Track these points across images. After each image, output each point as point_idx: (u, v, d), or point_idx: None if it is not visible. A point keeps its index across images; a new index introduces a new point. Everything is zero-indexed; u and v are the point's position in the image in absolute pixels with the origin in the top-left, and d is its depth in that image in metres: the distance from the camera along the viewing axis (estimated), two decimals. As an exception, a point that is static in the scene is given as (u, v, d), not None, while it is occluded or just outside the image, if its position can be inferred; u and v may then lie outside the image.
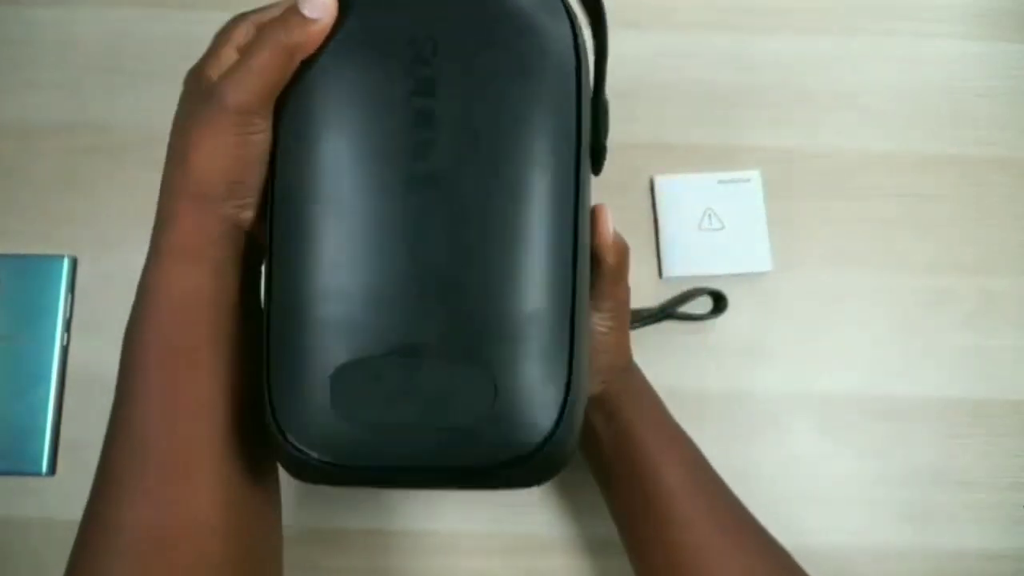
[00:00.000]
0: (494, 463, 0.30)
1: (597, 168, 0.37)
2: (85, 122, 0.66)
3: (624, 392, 0.47)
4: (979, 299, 0.63)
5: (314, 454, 0.31)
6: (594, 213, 0.38)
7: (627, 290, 0.44)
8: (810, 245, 0.64)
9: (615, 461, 0.46)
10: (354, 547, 0.58)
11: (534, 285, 0.31)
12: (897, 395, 0.61)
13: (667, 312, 0.61)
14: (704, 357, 0.61)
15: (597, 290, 0.41)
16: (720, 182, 0.63)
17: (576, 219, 0.32)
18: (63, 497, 0.60)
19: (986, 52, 0.67)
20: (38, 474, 0.60)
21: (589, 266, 0.34)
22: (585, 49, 0.33)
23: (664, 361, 0.61)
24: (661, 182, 0.63)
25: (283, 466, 0.32)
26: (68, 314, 0.62)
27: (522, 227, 0.31)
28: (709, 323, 0.63)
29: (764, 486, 0.54)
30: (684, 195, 0.63)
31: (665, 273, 0.62)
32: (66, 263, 0.63)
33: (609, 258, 0.41)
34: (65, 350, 0.62)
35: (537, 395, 0.31)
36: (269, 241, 0.32)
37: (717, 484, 0.47)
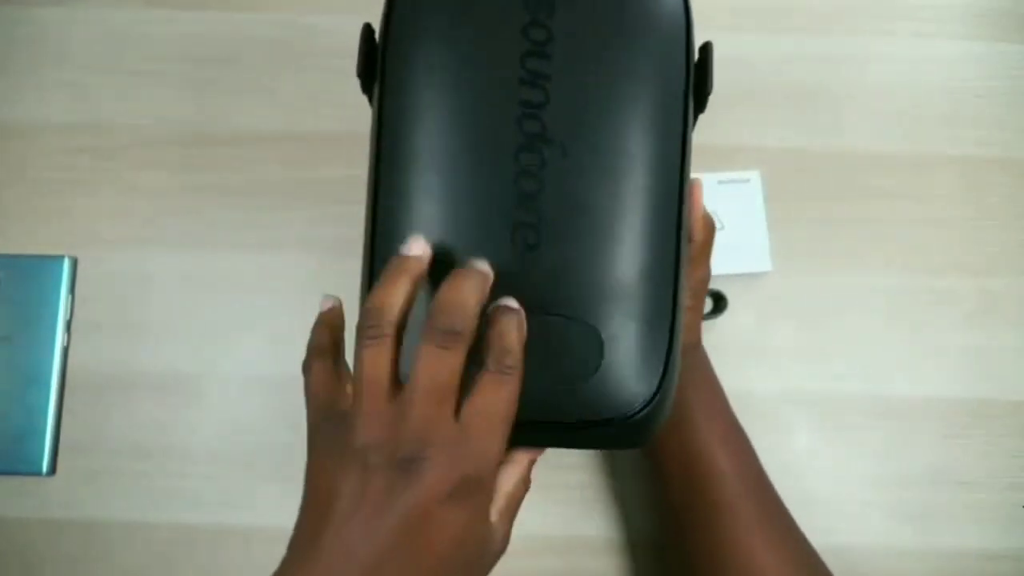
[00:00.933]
0: (596, 422, 0.31)
1: (700, 110, 0.37)
2: (85, 122, 0.66)
3: (688, 373, 0.46)
4: (979, 299, 0.63)
5: None
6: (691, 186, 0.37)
7: (708, 270, 0.45)
8: (810, 245, 0.63)
9: (669, 440, 0.47)
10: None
11: (642, 249, 0.31)
12: (897, 395, 0.61)
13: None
14: (708, 351, 0.59)
15: None
16: (720, 182, 0.63)
17: (681, 186, 0.33)
18: (63, 497, 0.60)
19: (986, 52, 0.67)
20: (38, 474, 0.60)
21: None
22: (690, 2, 0.34)
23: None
24: None
25: None
26: (68, 314, 0.62)
27: (633, 190, 0.31)
28: (709, 323, 0.62)
29: (764, 486, 0.52)
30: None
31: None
32: (66, 263, 0.63)
33: (698, 234, 0.41)
34: (65, 350, 0.62)
35: (641, 359, 0.31)
36: (374, 200, 0.32)
37: (765, 478, 0.48)
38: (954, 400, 0.60)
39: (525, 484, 0.33)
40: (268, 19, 0.66)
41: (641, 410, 0.31)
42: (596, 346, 0.31)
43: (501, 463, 0.30)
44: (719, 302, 0.62)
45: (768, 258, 0.62)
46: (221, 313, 0.62)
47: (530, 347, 0.30)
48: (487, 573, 0.30)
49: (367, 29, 0.34)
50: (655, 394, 0.31)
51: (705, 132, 0.59)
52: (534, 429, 0.32)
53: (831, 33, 0.67)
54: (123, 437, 0.60)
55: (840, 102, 0.66)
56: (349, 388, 0.31)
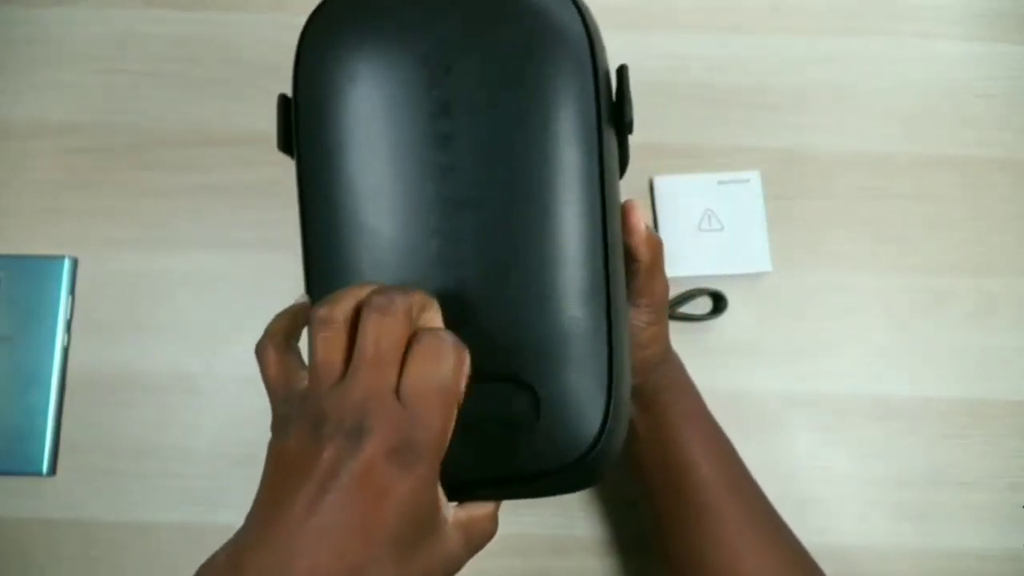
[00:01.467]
0: (539, 472, 0.31)
1: (623, 149, 0.36)
2: (85, 122, 0.65)
3: (662, 383, 0.46)
4: (979, 299, 0.62)
5: None
6: (624, 210, 0.37)
7: (664, 283, 0.44)
8: (810, 245, 0.63)
9: (650, 451, 0.46)
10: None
11: (568, 293, 0.31)
12: (897, 395, 0.61)
13: (667, 313, 0.55)
14: (704, 357, 0.60)
15: (633, 287, 0.41)
16: (720, 183, 0.63)
17: (604, 220, 0.32)
18: (63, 497, 0.60)
19: (986, 53, 0.67)
20: (38, 474, 0.60)
21: (623, 264, 0.34)
22: (596, 29, 0.33)
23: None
24: (660, 183, 0.63)
25: None
26: (68, 315, 0.62)
27: (551, 237, 0.31)
28: (709, 323, 0.62)
29: (764, 486, 0.52)
30: (684, 196, 0.63)
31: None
32: (66, 263, 0.62)
33: (643, 254, 0.40)
34: (65, 351, 0.61)
35: (582, 402, 0.31)
36: (306, 272, 0.33)
37: (750, 480, 0.47)
38: (954, 400, 0.60)
39: (492, 522, 0.33)
40: (266, 19, 0.66)
41: (588, 452, 0.31)
42: (533, 402, 0.31)
43: (445, 441, 0.29)
44: (719, 302, 0.62)
45: (768, 258, 0.62)
46: (221, 313, 0.62)
47: (467, 409, 0.29)
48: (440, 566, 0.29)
49: (283, 100, 0.34)
50: (600, 435, 0.31)
51: (705, 132, 0.64)
52: (483, 486, 0.32)
53: (831, 33, 0.67)
54: (123, 437, 0.60)
55: (840, 102, 0.66)
56: (304, 373, 0.31)
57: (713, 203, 0.62)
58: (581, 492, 0.57)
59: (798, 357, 0.62)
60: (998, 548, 0.58)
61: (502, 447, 0.31)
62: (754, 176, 0.63)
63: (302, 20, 0.36)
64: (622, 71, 0.34)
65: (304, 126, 0.33)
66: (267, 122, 0.62)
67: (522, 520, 0.58)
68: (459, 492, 0.31)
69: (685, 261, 0.61)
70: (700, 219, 0.62)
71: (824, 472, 0.59)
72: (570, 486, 0.32)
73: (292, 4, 0.66)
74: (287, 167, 0.59)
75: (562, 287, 0.31)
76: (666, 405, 0.47)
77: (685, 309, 0.63)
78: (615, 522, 0.59)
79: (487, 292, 0.31)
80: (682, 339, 0.59)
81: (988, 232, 0.64)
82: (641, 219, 0.39)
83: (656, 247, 0.41)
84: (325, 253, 0.32)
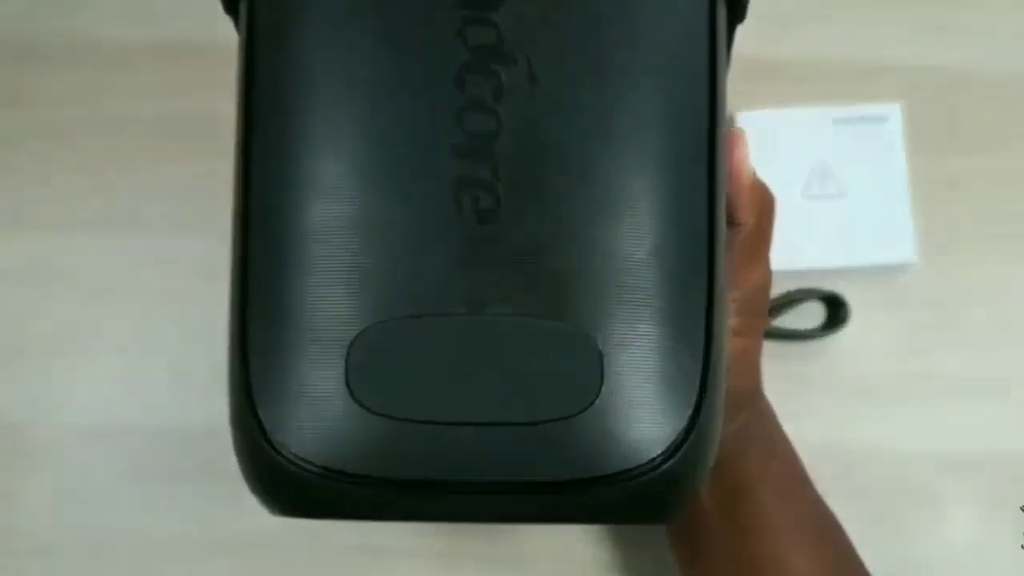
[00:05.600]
0: (593, 480, 0.26)
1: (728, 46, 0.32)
2: None
3: (745, 439, 0.41)
4: None
5: (316, 462, 0.26)
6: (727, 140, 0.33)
7: (766, 272, 0.38)
8: (977, 225, 0.55)
9: (719, 540, 0.42)
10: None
11: (655, 218, 0.28)
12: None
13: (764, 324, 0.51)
14: (808, 394, 0.53)
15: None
16: (838, 122, 0.53)
17: (713, 135, 0.28)
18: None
19: None
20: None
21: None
22: None
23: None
24: (745, 121, 0.54)
25: (258, 486, 0.27)
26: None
27: (635, 132, 0.28)
28: (819, 344, 0.54)
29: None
30: (781, 142, 0.54)
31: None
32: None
33: (744, 214, 0.35)
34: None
35: (662, 379, 0.27)
36: (246, 157, 0.28)
37: None
38: None
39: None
40: None
41: (665, 459, 0.26)
42: (592, 363, 0.26)
43: None
44: (836, 311, 0.53)
45: (911, 245, 0.53)
46: (61, 324, 0.55)
47: (488, 372, 0.27)
48: None
49: None
50: (686, 434, 0.26)
51: (815, 40, 0.57)
52: (495, 495, 0.27)
53: None
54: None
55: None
56: None
57: (828, 153, 0.53)
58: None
59: (955, 397, 0.54)
60: None
61: (531, 430, 0.26)
62: (893, 112, 0.54)
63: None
64: None
65: (265, 16, 0.29)
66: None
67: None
68: (451, 503, 0.27)
69: (784, 246, 0.48)
70: (806, 179, 0.53)
71: (994, 569, 0.53)
72: (628, 510, 0.28)
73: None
74: (134, 98, 0.56)
75: (645, 203, 0.27)
76: (748, 473, 0.41)
77: (781, 322, 0.53)
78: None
79: (534, 189, 0.27)
80: (776, 369, 0.48)
81: None
82: (748, 156, 0.34)
83: (766, 206, 0.37)
84: (279, 127, 0.28)
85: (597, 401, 0.26)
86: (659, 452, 0.27)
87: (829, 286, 0.54)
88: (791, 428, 0.49)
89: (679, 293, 0.28)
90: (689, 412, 0.27)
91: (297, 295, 0.28)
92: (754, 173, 0.35)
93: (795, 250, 0.52)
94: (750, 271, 0.37)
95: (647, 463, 0.27)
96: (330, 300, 0.28)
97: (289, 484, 0.27)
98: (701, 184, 0.28)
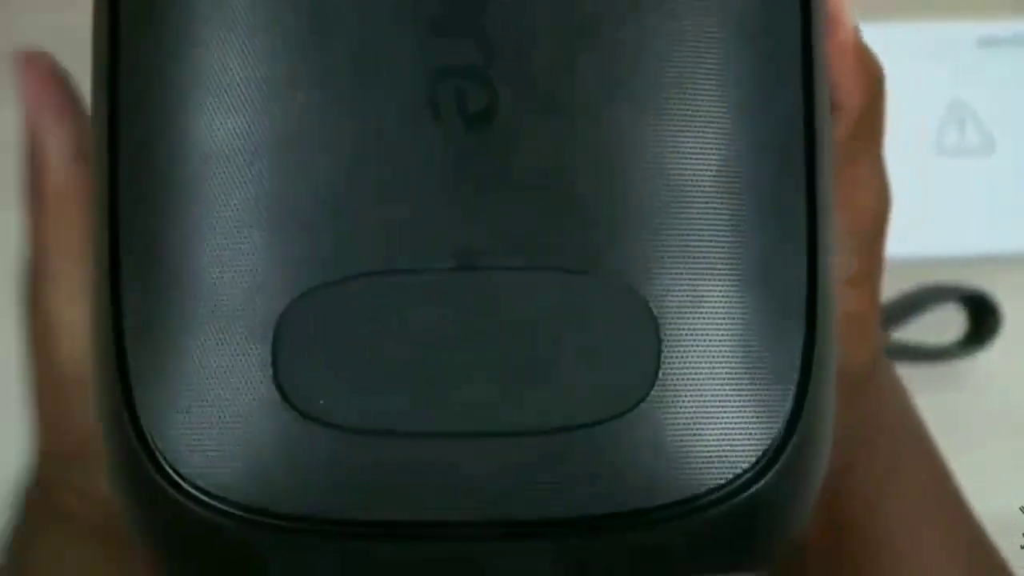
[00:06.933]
0: (648, 511, 0.20)
1: None
2: None
3: (863, 432, 0.31)
4: None
5: (234, 500, 0.20)
6: None
7: (882, 188, 0.29)
8: None
9: (828, 545, 0.32)
10: None
11: (727, 117, 0.22)
12: None
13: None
14: (945, 437, 0.37)
15: None
16: (985, 43, 0.44)
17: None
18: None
19: None
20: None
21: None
22: None
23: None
24: None
25: (148, 537, 0.22)
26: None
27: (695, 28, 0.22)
28: (957, 365, 0.46)
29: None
30: (900, 72, 0.41)
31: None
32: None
33: (849, 92, 0.26)
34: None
35: (748, 364, 0.21)
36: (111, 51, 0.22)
37: None
38: None
39: None
40: None
41: (754, 478, 0.20)
42: (643, 336, 0.20)
43: None
44: (982, 319, 0.45)
45: None
46: None
47: (483, 349, 0.21)
48: None
49: None
50: (784, 438, 0.21)
51: None
52: (505, 541, 0.21)
53: None
54: None
55: None
56: None
57: (969, 90, 0.45)
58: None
59: None
60: None
61: (561, 445, 0.20)
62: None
63: None
64: None
65: None
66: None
67: None
68: (452, 557, 0.22)
69: (905, 225, 0.35)
70: (939, 129, 0.45)
71: None
72: (694, 553, 0.22)
73: None
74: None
75: (708, 90, 0.21)
76: (875, 465, 0.32)
77: (904, 334, 0.45)
78: None
79: (547, 76, 0.21)
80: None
81: None
82: (846, 8, 0.27)
83: (876, 81, 0.28)
84: (167, 146, 0.22)
85: (652, 394, 0.21)
86: (745, 468, 0.21)
87: (973, 281, 0.44)
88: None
89: (767, 226, 0.22)
90: (788, 406, 0.21)
91: (191, 246, 0.22)
92: (858, 30, 0.28)
93: (920, 230, 0.43)
94: (858, 186, 0.29)
95: (729, 484, 0.21)
96: (246, 253, 0.21)
97: (194, 533, 0.21)
98: (792, 54, 0.22)
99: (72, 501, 0.29)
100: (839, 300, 0.29)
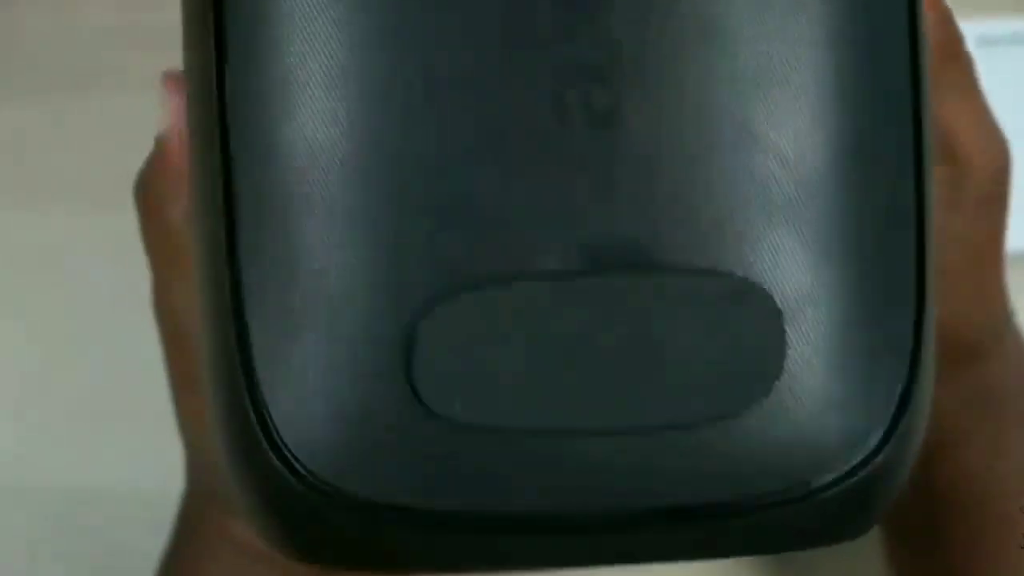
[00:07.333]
0: (775, 494, 0.23)
1: None
2: None
3: (987, 385, 0.33)
4: None
5: (353, 488, 0.22)
6: None
7: (988, 123, 0.31)
8: None
9: (946, 513, 0.35)
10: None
11: (840, 96, 0.23)
12: None
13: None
14: None
15: None
16: (983, 42, 0.46)
17: None
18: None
19: None
20: None
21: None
22: None
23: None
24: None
25: (271, 527, 0.23)
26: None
27: None
28: None
29: None
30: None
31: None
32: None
33: (931, 30, 0.27)
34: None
35: (866, 348, 0.23)
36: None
37: None
38: None
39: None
40: None
41: (870, 457, 0.23)
42: (771, 330, 0.22)
43: None
44: None
45: None
46: None
47: (612, 348, 0.22)
48: None
49: None
50: (896, 417, 0.23)
51: None
52: (640, 527, 0.23)
53: None
54: None
55: None
56: None
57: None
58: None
59: None
60: None
61: (685, 433, 0.22)
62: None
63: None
64: None
65: None
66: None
67: None
68: (565, 541, 0.23)
69: None
70: None
71: None
72: (811, 530, 0.24)
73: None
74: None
75: (822, 72, 0.23)
76: (996, 438, 0.34)
77: None
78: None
79: (666, 74, 0.23)
80: None
81: None
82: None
83: (947, 24, 0.30)
84: (284, 152, 0.23)
85: (780, 382, 0.23)
86: (868, 451, 0.23)
87: None
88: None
89: (877, 212, 0.24)
90: (901, 387, 0.23)
91: (317, 250, 0.23)
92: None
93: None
94: (957, 113, 0.30)
95: (853, 467, 0.23)
96: (373, 258, 0.23)
97: (307, 517, 0.23)
98: (899, 46, 0.23)
99: (237, 525, 0.29)
100: (956, 259, 0.31)
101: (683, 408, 0.22)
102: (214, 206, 0.23)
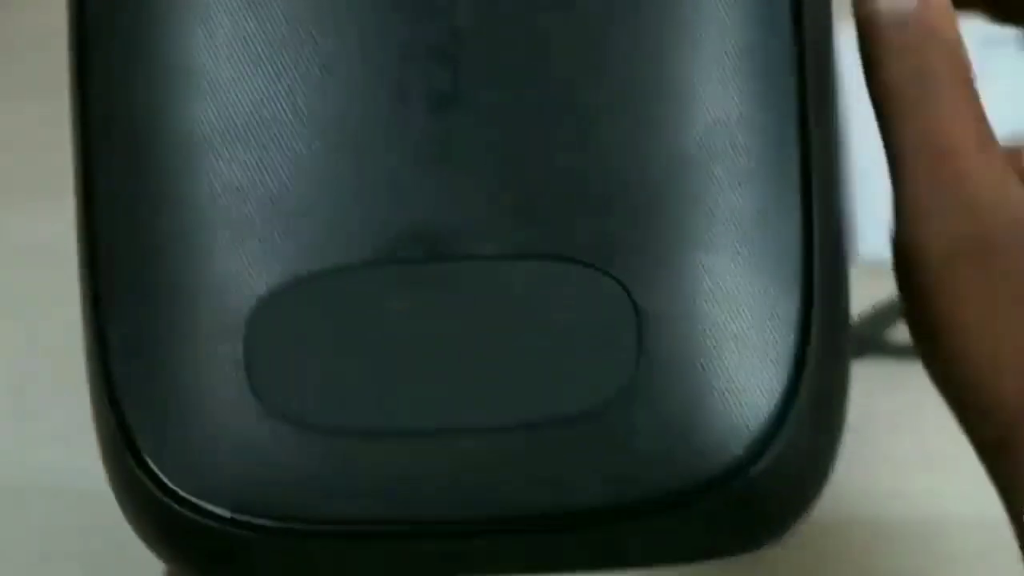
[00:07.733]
0: (636, 503, 0.21)
1: None
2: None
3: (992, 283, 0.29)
4: None
5: (224, 509, 0.21)
6: None
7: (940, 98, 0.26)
8: None
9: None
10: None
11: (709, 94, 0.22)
12: None
13: (869, 339, 0.47)
14: (948, 433, 0.37)
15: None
16: (984, 43, 0.45)
17: None
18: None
19: None
20: None
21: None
22: None
23: (862, 452, 0.44)
24: (851, 43, 0.49)
25: (146, 534, 0.22)
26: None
27: None
28: None
29: None
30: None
31: (862, 253, 0.48)
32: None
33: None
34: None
35: (739, 341, 0.21)
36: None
37: None
38: None
39: None
40: None
41: (756, 454, 0.20)
42: (623, 322, 0.21)
43: None
44: None
45: None
46: None
47: (460, 341, 0.21)
48: None
49: None
50: (782, 410, 0.20)
51: None
52: (480, 537, 0.21)
53: None
54: None
55: None
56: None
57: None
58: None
59: None
60: None
61: (545, 438, 0.21)
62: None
63: None
64: None
65: None
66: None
67: None
68: (449, 552, 0.22)
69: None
70: None
71: None
72: (691, 543, 0.21)
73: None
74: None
75: (683, 88, 0.22)
76: (997, 341, 0.27)
77: (907, 333, 0.41)
78: None
79: (512, 51, 0.22)
80: (899, 398, 0.45)
81: None
82: None
83: None
84: (128, 137, 0.22)
85: (633, 381, 0.21)
86: (740, 453, 0.21)
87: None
88: (914, 495, 0.39)
89: (748, 196, 0.22)
90: (781, 384, 0.21)
91: (157, 244, 0.22)
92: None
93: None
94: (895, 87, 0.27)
95: (723, 472, 0.21)
96: (213, 252, 0.22)
97: (187, 532, 0.21)
98: (785, 41, 0.22)
99: None
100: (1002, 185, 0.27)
101: (529, 406, 0.21)
102: (81, 219, 0.23)
